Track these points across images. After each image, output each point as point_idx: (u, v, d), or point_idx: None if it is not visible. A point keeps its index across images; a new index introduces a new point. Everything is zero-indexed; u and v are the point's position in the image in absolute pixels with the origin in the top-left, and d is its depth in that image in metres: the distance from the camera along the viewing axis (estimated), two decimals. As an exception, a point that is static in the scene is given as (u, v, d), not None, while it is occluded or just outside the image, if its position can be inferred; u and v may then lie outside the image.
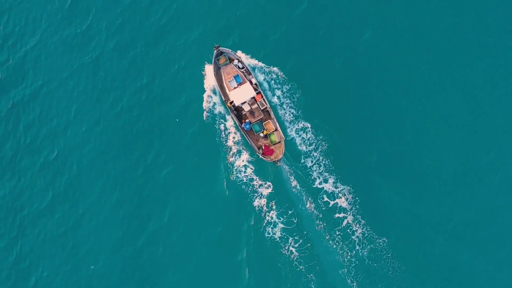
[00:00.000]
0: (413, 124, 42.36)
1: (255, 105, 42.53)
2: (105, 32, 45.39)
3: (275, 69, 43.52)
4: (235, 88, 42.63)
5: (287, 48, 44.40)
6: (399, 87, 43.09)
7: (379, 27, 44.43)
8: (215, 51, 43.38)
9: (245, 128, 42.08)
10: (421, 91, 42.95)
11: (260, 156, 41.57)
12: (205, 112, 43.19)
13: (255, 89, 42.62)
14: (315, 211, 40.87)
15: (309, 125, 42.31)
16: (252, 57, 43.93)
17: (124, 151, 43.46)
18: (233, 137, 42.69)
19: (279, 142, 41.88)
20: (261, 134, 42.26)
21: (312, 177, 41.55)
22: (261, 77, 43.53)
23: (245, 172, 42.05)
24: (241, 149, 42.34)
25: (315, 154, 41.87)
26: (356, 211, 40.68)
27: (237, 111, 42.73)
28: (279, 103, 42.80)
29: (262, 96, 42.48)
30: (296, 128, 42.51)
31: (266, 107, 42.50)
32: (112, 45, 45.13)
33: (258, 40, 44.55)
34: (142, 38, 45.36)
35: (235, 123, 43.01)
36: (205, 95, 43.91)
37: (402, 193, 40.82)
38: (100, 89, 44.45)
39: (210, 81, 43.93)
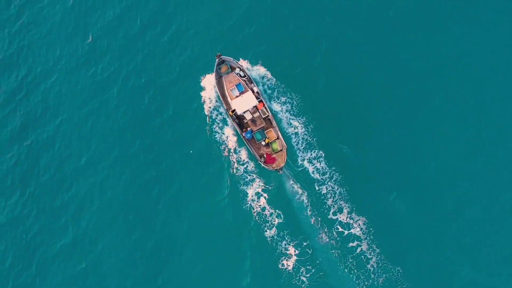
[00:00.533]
0: (432, 155, 42.21)
1: (257, 114, 42.64)
2: (125, 69, 45.23)
3: (293, 100, 43.51)
4: (237, 96, 42.72)
5: (308, 84, 44.36)
6: (419, 122, 42.95)
7: (400, 52, 44.63)
8: (217, 59, 43.49)
9: (246, 137, 42.17)
10: (442, 119, 42.82)
11: (262, 165, 41.64)
12: (228, 156, 43.07)
13: (257, 98, 42.73)
14: (329, 240, 40.60)
15: (322, 153, 42.16)
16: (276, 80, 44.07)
17: (142, 189, 43.06)
18: (246, 166, 42.54)
19: (281, 150, 41.97)
20: (263, 143, 42.34)
21: (327, 206, 41.31)
22: (277, 107, 43.54)
23: (258, 201, 41.69)
24: (254, 177, 42.07)
25: (329, 183, 41.58)
26: (370, 240, 40.36)
27: (239, 120, 42.82)
28: (294, 132, 42.84)
29: (264, 105, 42.60)
30: (309, 157, 42.18)
31: (268, 116, 42.61)
32: (131, 83, 44.98)
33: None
34: (161, 75, 45.25)
35: (236, 132, 43.11)
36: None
37: (418, 223, 40.54)
38: (119, 126, 44.26)
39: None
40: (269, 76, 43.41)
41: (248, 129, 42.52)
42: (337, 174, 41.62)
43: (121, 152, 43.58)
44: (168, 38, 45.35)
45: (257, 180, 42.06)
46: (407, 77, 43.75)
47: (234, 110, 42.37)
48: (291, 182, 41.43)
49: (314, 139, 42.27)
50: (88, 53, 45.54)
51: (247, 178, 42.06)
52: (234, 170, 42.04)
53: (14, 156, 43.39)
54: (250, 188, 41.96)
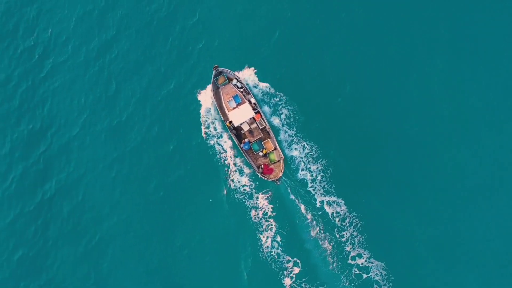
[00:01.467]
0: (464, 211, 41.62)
1: (254, 125, 42.88)
2: (149, 119, 45.02)
3: (309, 147, 43.12)
4: (234, 108, 42.95)
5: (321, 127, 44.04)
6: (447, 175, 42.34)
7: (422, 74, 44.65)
8: (214, 71, 43.73)
9: (244, 148, 42.39)
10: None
11: (260, 175, 41.86)
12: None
13: (254, 109, 42.96)
14: (347, 283, 40.64)
15: (342, 201, 41.79)
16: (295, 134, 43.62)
17: (163, 237, 43.00)
18: (265, 210, 42.21)
19: (278, 161, 42.19)
20: (260, 153, 42.55)
21: (346, 251, 40.99)
22: (295, 153, 43.00)
23: (271, 248, 41.37)
24: (271, 224, 41.63)
25: (349, 229, 41.25)
26: (389, 285, 40.20)
27: (236, 131, 43.05)
28: (311, 179, 42.27)
29: (261, 116, 42.82)
30: (328, 200, 41.84)
31: (265, 127, 42.84)
32: (154, 133, 44.75)
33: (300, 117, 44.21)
34: (181, 126, 44.97)
35: (234, 144, 43.35)
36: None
37: (443, 272, 40.21)
38: (142, 175, 44.06)
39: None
40: (307, 145, 43.09)
41: (246, 140, 42.75)
42: (357, 219, 41.44)
43: (145, 200, 43.58)
44: (189, 92, 45.42)
45: (274, 225, 41.89)
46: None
47: (232, 121, 42.61)
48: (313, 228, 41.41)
49: (333, 186, 42.24)
50: (112, 102, 45.43)
51: (262, 225, 41.85)
52: (254, 215, 41.89)
53: (37, 206, 43.21)
54: (264, 235, 41.70)
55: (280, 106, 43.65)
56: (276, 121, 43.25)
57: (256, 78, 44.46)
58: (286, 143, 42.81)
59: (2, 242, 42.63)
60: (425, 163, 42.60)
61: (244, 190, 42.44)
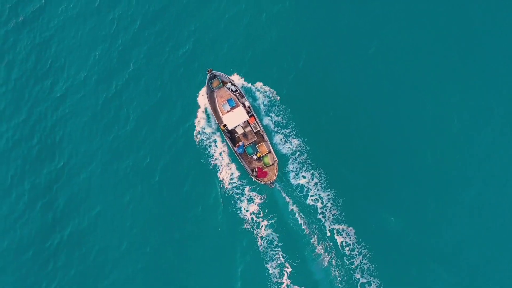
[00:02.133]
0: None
1: (248, 128, 42.91)
2: (162, 162, 44.66)
3: (319, 174, 42.71)
4: (228, 111, 42.99)
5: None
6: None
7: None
8: (208, 74, 43.78)
9: (238, 152, 42.42)
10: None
11: (254, 179, 41.88)
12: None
13: (248, 112, 43.00)
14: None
15: (352, 230, 41.52)
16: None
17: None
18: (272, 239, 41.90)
19: (272, 164, 42.21)
20: (255, 157, 42.58)
21: (355, 277, 40.73)
22: (302, 181, 42.57)
23: (279, 277, 41.09)
24: (278, 254, 41.19)
25: (358, 257, 40.97)
26: None
27: (231, 134, 43.08)
28: (322, 207, 41.85)
29: (255, 119, 42.86)
30: (338, 229, 41.54)
31: (259, 130, 42.87)
32: (171, 169, 44.43)
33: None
34: (193, 168, 44.57)
35: (228, 147, 43.38)
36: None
37: None
38: (158, 213, 43.74)
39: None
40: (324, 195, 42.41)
41: (240, 143, 42.79)
42: (366, 250, 41.24)
43: (161, 239, 43.40)
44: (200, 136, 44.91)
45: (280, 255, 41.63)
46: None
47: (226, 124, 42.64)
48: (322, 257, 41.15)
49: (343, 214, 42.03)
50: (127, 140, 45.23)
51: (269, 254, 41.58)
52: (260, 244, 41.58)
53: (54, 243, 43.19)
54: (271, 263, 41.39)
55: (291, 137, 43.41)
56: (285, 150, 43.01)
57: (264, 108, 44.46)
58: (294, 173, 42.48)
59: (20, 276, 42.71)
60: (437, 196, 42.16)
61: (252, 218, 42.17)
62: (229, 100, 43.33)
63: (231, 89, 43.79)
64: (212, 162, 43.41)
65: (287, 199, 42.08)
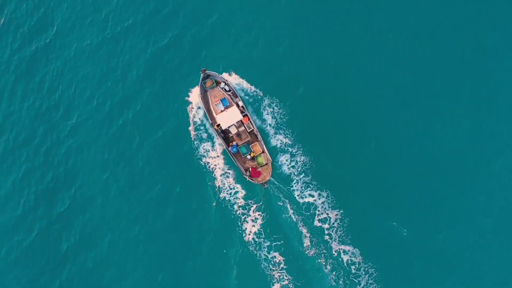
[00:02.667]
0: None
1: (242, 128, 42.87)
2: (174, 190, 44.20)
3: (326, 194, 42.45)
4: (222, 111, 42.94)
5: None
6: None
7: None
8: (201, 74, 43.71)
9: (232, 151, 42.38)
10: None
11: (248, 179, 41.84)
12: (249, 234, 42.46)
13: (242, 112, 42.97)
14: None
15: (358, 251, 41.18)
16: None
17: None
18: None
19: (266, 164, 42.19)
20: (248, 156, 42.55)
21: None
22: (311, 199, 42.41)
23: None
24: (284, 276, 40.96)
25: (365, 277, 40.77)
26: None
27: (224, 134, 43.03)
28: (328, 227, 41.56)
29: (249, 119, 42.83)
30: (344, 250, 41.12)
31: (253, 130, 42.84)
32: (184, 206, 43.95)
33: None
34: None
35: (223, 148, 43.37)
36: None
37: None
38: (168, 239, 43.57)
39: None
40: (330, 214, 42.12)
41: (234, 143, 42.74)
42: (372, 269, 41.03)
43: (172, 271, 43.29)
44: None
45: (285, 276, 41.38)
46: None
47: (219, 124, 42.59)
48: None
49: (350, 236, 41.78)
50: (134, 175, 44.91)
51: (274, 275, 41.32)
52: (265, 266, 41.38)
53: (67, 275, 43.15)
54: (277, 285, 41.14)
55: (297, 155, 43.13)
56: (292, 169, 42.70)
57: (272, 129, 44.20)
58: (299, 192, 42.23)
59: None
60: (443, 219, 41.72)
61: (254, 239, 41.92)
62: (222, 100, 43.28)
63: (225, 89, 43.73)
64: (217, 188, 43.14)
65: (293, 217, 41.82)
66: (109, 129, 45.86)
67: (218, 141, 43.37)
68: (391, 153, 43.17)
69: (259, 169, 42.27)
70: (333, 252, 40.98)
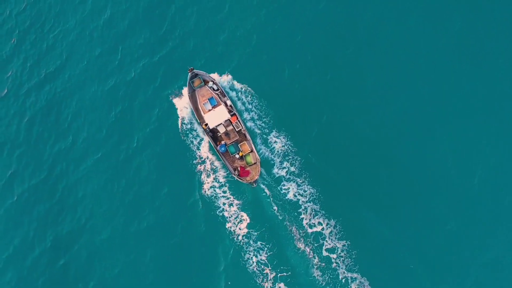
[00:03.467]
0: None
1: (230, 127, 42.63)
2: (180, 224, 43.09)
3: (335, 223, 41.28)
4: (209, 110, 42.71)
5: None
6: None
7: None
8: (189, 73, 43.52)
9: (220, 151, 42.09)
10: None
11: (236, 178, 41.53)
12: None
13: (230, 111, 42.74)
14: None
15: (367, 281, 39.97)
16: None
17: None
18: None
19: (255, 163, 41.91)
20: (237, 156, 42.27)
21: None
22: (319, 228, 41.33)
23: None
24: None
25: None
26: None
27: (213, 133, 42.77)
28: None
29: (237, 118, 42.60)
30: (352, 277, 40.09)
31: (242, 129, 42.60)
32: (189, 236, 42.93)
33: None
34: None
35: (210, 146, 43.06)
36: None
37: None
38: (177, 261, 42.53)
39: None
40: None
41: (222, 142, 42.49)
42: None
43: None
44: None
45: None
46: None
47: (207, 123, 42.33)
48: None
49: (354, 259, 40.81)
50: (146, 198, 44.18)
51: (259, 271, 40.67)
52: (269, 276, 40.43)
53: None
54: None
55: (304, 185, 42.20)
56: (301, 199, 41.80)
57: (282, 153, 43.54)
58: (307, 225, 41.25)
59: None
60: (456, 255, 40.36)
61: (259, 270, 40.97)
62: (210, 99, 43.06)
63: (213, 88, 43.53)
64: (226, 220, 42.24)
65: (303, 249, 40.86)
66: (118, 159, 45.44)
67: (206, 140, 43.09)
68: (401, 181, 42.09)
69: (248, 168, 41.97)
70: (341, 280, 40.02)
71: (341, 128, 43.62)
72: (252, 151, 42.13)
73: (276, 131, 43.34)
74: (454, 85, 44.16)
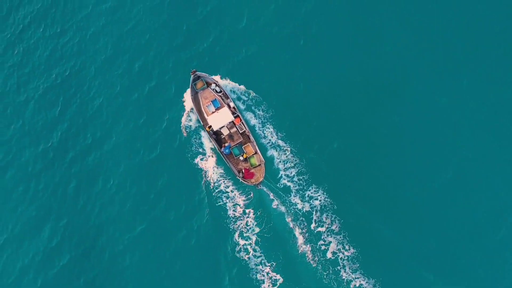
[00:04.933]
0: None
1: (234, 129, 42.42)
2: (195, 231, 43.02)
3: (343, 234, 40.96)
4: (213, 112, 42.50)
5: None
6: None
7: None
8: (192, 75, 43.29)
9: (224, 153, 41.89)
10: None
11: (241, 180, 41.34)
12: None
13: (233, 113, 42.54)
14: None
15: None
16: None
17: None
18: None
19: (259, 165, 41.71)
20: (241, 158, 42.07)
21: None
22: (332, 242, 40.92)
23: None
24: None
25: None
26: None
27: (216, 135, 42.56)
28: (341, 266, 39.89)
29: (240, 120, 42.39)
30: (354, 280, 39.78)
31: (245, 131, 42.39)
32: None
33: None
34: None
35: (215, 149, 42.87)
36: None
37: None
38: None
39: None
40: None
41: (226, 144, 42.29)
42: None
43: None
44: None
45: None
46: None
47: (211, 126, 42.13)
48: None
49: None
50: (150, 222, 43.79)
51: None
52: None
53: None
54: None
55: (313, 199, 41.65)
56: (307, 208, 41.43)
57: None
58: (315, 229, 40.86)
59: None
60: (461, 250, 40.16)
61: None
62: (213, 101, 42.85)
63: (216, 90, 43.32)
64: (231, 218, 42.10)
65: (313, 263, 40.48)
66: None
67: (211, 142, 42.87)
68: (410, 186, 41.71)
69: (252, 170, 41.78)
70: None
71: (345, 129, 43.34)
72: (256, 153, 41.93)
73: (280, 133, 43.10)
74: (466, 92, 43.69)
